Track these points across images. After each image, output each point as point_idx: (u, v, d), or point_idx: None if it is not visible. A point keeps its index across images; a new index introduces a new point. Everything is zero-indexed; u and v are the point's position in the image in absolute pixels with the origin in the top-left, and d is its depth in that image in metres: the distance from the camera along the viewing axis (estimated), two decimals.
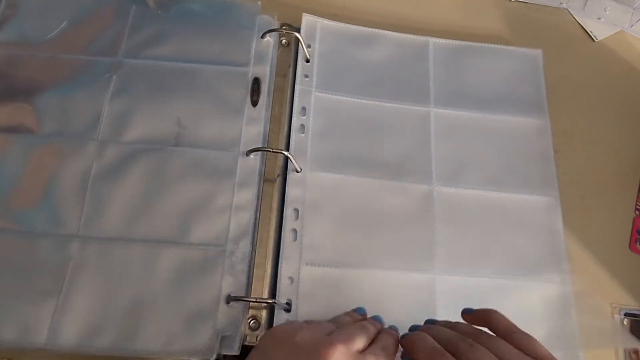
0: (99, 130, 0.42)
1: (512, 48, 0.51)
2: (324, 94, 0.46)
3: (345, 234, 0.41)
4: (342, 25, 0.49)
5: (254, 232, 0.40)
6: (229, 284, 0.38)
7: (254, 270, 0.39)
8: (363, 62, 0.48)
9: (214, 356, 0.35)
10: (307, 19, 0.48)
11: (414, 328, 0.34)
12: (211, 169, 0.41)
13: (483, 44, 0.51)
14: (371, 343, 0.31)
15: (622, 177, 0.48)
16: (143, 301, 0.36)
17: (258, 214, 0.41)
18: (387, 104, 0.47)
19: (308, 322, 0.33)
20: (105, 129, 0.42)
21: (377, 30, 0.50)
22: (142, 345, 0.35)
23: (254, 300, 0.38)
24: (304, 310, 0.38)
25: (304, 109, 0.45)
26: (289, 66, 0.47)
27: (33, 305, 0.36)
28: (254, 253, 0.40)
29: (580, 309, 0.41)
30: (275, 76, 0.46)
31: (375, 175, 0.43)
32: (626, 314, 0.42)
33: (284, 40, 0.48)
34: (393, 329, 0.35)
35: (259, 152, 0.43)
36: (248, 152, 0.42)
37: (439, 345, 0.28)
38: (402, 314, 0.39)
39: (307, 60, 0.47)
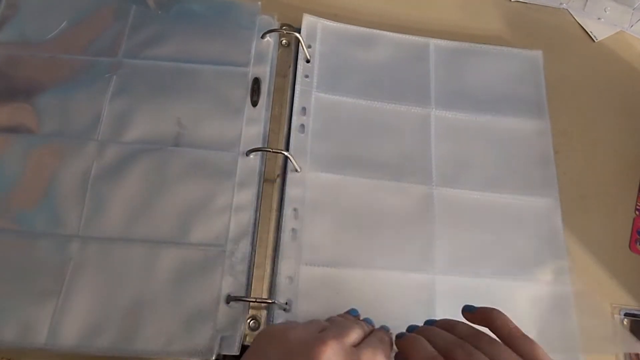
0: (99, 130, 0.42)
1: (512, 49, 0.51)
2: (324, 94, 0.46)
3: (344, 234, 0.41)
4: (343, 25, 0.49)
5: (253, 232, 0.40)
6: (229, 284, 0.38)
7: (254, 270, 0.39)
8: (363, 63, 0.48)
9: (214, 356, 0.35)
10: (307, 19, 0.48)
11: (412, 328, 0.33)
12: (211, 169, 0.41)
13: (483, 45, 0.51)
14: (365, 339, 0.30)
15: (622, 177, 0.48)
16: (143, 301, 0.36)
17: (258, 214, 0.41)
18: (387, 105, 0.47)
19: None
20: (105, 129, 0.42)
21: (377, 30, 0.50)
22: (142, 345, 0.35)
23: (254, 300, 0.38)
24: (303, 310, 0.38)
25: (304, 109, 0.45)
26: (289, 66, 0.47)
27: (33, 305, 0.36)
28: (253, 253, 0.40)
29: (580, 309, 0.41)
30: (275, 76, 0.46)
31: (375, 176, 0.43)
32: (626, 314, 0.42)
33: (284, 41, 0.48)
34: (385, 329, 0.35)
35: (259, 152, 0.43)
36: (248, 152, 0.42)
37: (435, 352, 0.28)
38: (401, 314, 0.39)
39: (308, 61, 0.47)
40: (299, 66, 0.46)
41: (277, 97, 0.46)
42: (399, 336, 0.31)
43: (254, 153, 0.42)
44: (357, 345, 0.29)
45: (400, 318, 0.39)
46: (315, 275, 0.40)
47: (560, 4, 0.56)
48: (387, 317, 0.37)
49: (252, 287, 0.39)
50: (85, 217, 0.39)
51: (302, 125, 0.45)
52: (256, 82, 0.45)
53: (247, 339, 0.37)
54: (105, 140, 0.41)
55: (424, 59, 0.49)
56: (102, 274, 0.37)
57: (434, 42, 0.50)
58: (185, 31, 0.46)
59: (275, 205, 0.42)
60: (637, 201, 0.47)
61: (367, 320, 0.36)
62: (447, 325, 0.31)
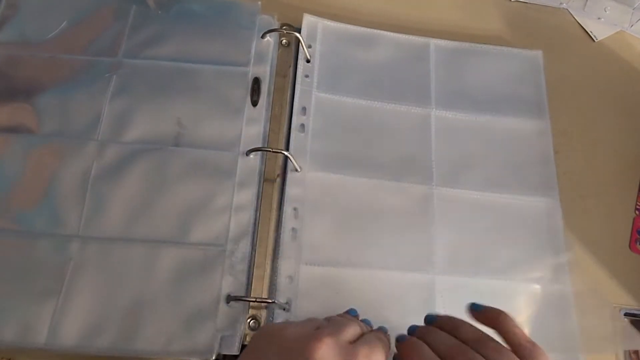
0: (99, 130, 0.42)
1: (512, 49, 0.51)
2: (324, 94, 0.46)
3: (344, 234, 0.41)
4: (343, 25, 0.49)
5: (253, 232, 0.40)
6: (229, 284, 0.38)
7: (254, 270, 0.39)
8: (364, 63, 0.48)
9: (214, 356, 0.35)
10: (307, 19, 0.48)
11: (412, 329, 0.32)
12: (211, 169, 0.41)
13: (484, 45, 0.51)
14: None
15: (622, 177, 0.48)
16: (143, 301, 0.36)
17: (258, 214, 0.41)
18: (387, 105, 0.47)
19: None
20: (105, 129, 0.42)
21: (377, 30, 0.50)
22: (142, 345, 0.35)
23: (254, 300, 0.38)
24: (303, 309, 0.38)
25: (304, 109, 0.45)
26: (289, 66, 0.47)
27: (33, 305, 0.36)
28: (253, 253, 0.40)
29: (580, 309, 0.41)
30: (275, 76, 0.46)
31: (375, 176, 0.43)
32: (626, 314, 0.42)
33: (284, 41, 0.48)
34: (383, 330, 0.35)
35: (259, 152, 0.43)
36: (248, 152, 0.42)
37: (436, 358, 0.27)
38: (401, 314, 0.39)
39: (308, 61, 0.47)
40: (299, 66, 0.47)
41: (277, 97, 0.46)
42: (400, 339, 0.31)
43: (254, 153, 0.42)
44: (354, 342, 0.28)
45: (400, 318, 0.39)
46: (315, 275, 0.40)
47: (560, 3, 0.56)
48: (387, 317, 0.37)
49: (252, 287, 0.39)
50: (85, 217, 0.39)
51: (302, 125, 0.45)
52: (256, 82, 0.45)
53: (247, 338, 0.37)
54: (105, 140, 0.41)
55: (424, 59, 0.49)
56: (102, 274, 0.37)
57: (434, 42, 0.50)
58: (185, 31, 0.46)
59: (275, 205, 0.42)
60: (637, 201, 0.47)
61: (365, 322, 0.36)
62: (451, 325, 0.30)
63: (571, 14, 0.56)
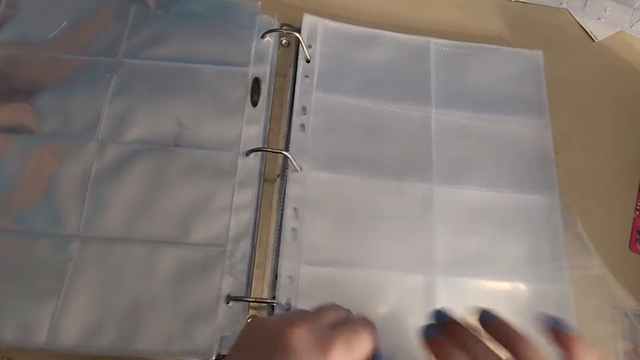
0: (99, 130, 0.42)
1: (512, 49, 0.51)
2: (324, 94, 0.46)
3: (344, 234, 0.41)
4: (343, 25, 0.49)
5: (254, 232, 0.40)
6: (229, 284, 0.38)
7: (254, 270, 0.39)
8: (364, 63, 0.48)
9: (214, 356, 0.35)
10: (308, 19, 0.48)
11: (430, 329, 0.30)
12: (211, 169, 0.41)
13: (484, 45, 0.51)
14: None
15: (622, 177, 0.48)
16: (143, 301, 0.36)
17: (258, 214, 0.41)
18: (387, 105, 0.47)
19: None
20: (105, 129, 0.42)
21: (378, 30, 0.50)
22: (142, 345, 0.35)
23: (254, 300, 0.38)
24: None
25: (304, 109, 0.45)
26: (289, 66, 0.47)
27: (33, 305, 0.36)
28: (254, 253, 0.40)
29: (580, 309, 0.41)
30: (275, 76, 0.46)
31: (375, 176, 0.43)
32: (626, 314, 0.42)
33: (284, 41, 0.48)
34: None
35: (259, 152, 0.43)
36: (248, 152, 0.42)
37: None
38: (401, 314, 0.39)
39: (308, 61, 0.47)
40: (299, 66, 0.47)
41: (277, 97, 0.46)
42: (428, 334, 0.29)
43: (254, 153, 0.42)
44: (335, 327, 0.28)
45: (399, 318, 0.39)
46: (315, 275, 0.40)
47: (560, 4, 0.56)
48: (387, 317, 0.37)
49: (252, 287, 0.39)
50: (85, 217, 0.39)
51: (302, 125, 0.45)
52: (256, 82, 0.45)
53: None
54: (105, 140, 0.41)
55: (425, 58, 0.49)
56: (102, 274, 0.37)
57: (434, 42, 0.50)
58: (185, 31, 0.46)
59: (275, 205, 0.42)
60: (637, 201, 0.47)
61: None
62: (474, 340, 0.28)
63: (571, 14, 0.56)
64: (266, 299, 0.38)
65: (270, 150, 0.43)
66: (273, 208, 0.42)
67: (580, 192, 0.47)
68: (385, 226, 0.42)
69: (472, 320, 0.29)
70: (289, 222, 0.41)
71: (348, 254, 0.41)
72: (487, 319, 0.29)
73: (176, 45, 0.46)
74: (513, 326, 0.28)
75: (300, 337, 0.25)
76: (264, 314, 0.38)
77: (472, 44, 0.50)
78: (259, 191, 0.42)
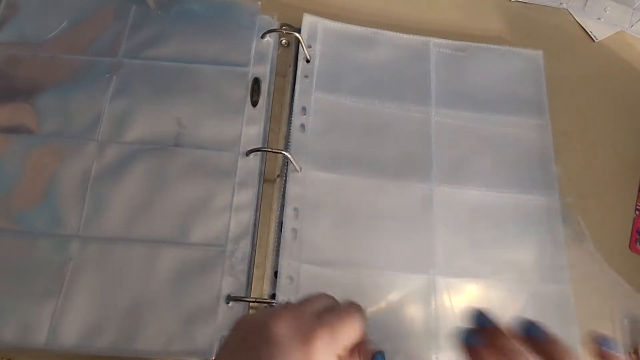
0: (99, 130, 0.42)
1: (512, 49, 0.51)
2: (324, 94, 0.46)
3: (345, 234, 0.41)
4: (343, 25, 0.49)
5: (254, 232, 0.40)
6: (229, 284, 0.38)
7: (254, 270, 0.39)
8: (364, 63, 0.48)
9: (214, 356, 0.35)
10: (308, 19, 0.48)
11: (471, 336, 0.28)
12: (211, 169, 0.41)
13: (484, 45, 0.51)
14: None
15: (622, 177, 0.48)
16: (143, 301, 0.36)
17: (258, 214, 0.41)
18: (387, 104, 0.47)
19: None
20: (105, 129, 0.42)
21: (377, 30, 0.50)
22: (142, 345, 0.35)
23: (254, 300, 0.38)
24: None
25: (304, 108, 0.45)
26: (289, 66, 0.47)
27: (33, 305, 0.36)
28: (254, 253, 0.40)
29: (580, 309, 0.41)
30: (275, 76, 0.46)
31: (375, 176, 0.43)
32: (626, 315, 0.42)
33: (284, 41, 0.48)
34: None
35: (259, 152, 0.43)
36: (248, 152, 0.42)
37: None
38: (401, 314, 0.39)
39: (308, 61, 0.47)
40: (299, 66, 0.47)
41: (277, 97, 0.46)
42: (469, 342, 0.27)
43: (254, 153, 0.42)
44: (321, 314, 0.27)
45: (400, 318, 0.39)
46: (315, 275, 0.40)
47: (560, 4, 0.56)
48: (386, 317, 0.37)
49: (252, 287, 0.39)
50: (85, 217, 0.39)
51: (302, 125, 0.45)
52: (256, 82, 0.45)
53: None
54: (105, 140, 0.41)
55: (425, 58, 0.49)
56: (102, 274, 0.37)
57: (434, 42, 0.50)
58: (185, 31, 0.46)
59: (275, 205, 0.42)
60: (637, 201, 0.47)
61: None
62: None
63: (571, 14, 0.56)
64: (266, 299, 0.38)
65: (270, 150, 0.43)
66: (273, 208, 0.42)
67: (580, 192, 0.47)
68: (385, 226, 0.42)
69: (512, 328, 0.28)
70: (289, 222, 0.41)
71: (348, 253, 0.41)
72: (534, 332, 0.27)
73: (176, 45, 0.46)
74: (562, 343, 0.26)
75: (283, 327, 0.25)
76: None
77: (472, 44, 0.50)
78: (259, 191, 0.42)
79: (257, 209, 0.41)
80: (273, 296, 0.39)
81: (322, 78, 0.47)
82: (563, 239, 0.43)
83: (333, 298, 0.30)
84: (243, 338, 0.26)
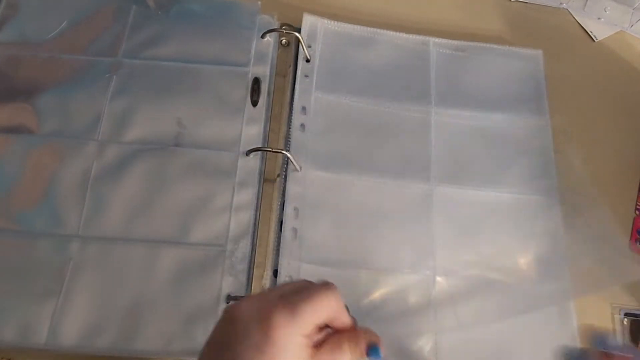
0: (99, 130, 0.42)
1: (512, 48, 0.51)
2: (324, 94, 0.46)
3: (344, 233, 0.41)
4: (343, 25, 0.49)
5: (254, 231, 0.40)
6: (229, 284, 0.38)
7: (254, 269, 0.39)
8: (364, 62, 0.48)
9: None
10: (308, 19, 0.48)
11: (579, 355, 0.28)
12: (211, 169, 0.41)
13: (484, 44, 0.51)
14: None
15: (622, 177, 0.48)
16: (143, 301, 0.36)
17: (258, 214, 0.41)
18: (387, 104, 0.47)
19: None
20: (105, 129, 0.42)
21: (377, 30, 0.50)
22: (142, 345, 0.35)
23: None
24: None
25: (304, 108, 0.45)
26: (289, 66, 0.47)
27: (33, 305, 0.36)
28: (254, 253, 0.40)
29: (580, 309, 0.41)
30: (275, 76, 0.46)
31: (375, 175, 0.43)
32: (626, 314, 0.42)
33: (284, 40, 0.48)
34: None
35: (259, 152, 0.43)
36: (248, 152, 0.42)
37: None
38: (401, 315, 0.39)
39: (308, 60, 0.47)
40: (299, 66, 0.47)
41: (277, 96, 0.46)
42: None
43: (254, 153, 0.42)
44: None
45: (399, 318, 0.39)
46: (315, 274, 0.39)
47: (560, 4, 0.56)
48: (386, 317, 0.37)
49: (252, 287, 0.39)
50: (85, 217, 0.39)
51: (302, 125, 0.45)
52: (256, 82, 0.45)
53: None
54: (105, 140, 0.41)
55: (424, 58, 0.49)
56: (102, 274, 0.37)
57: (434, 41, 0.50)
58: (185, 31, 0.46)
59: (275, 204, 0.42)
60: (637, 201, 0.47)
61: None
62: None
63: (571, 14, 0.56)
64: None
65: (270, 150, 0.43)
66: (273, 208, 0.42)
67: (580, 192, 0.47)
68: (384, 225, 0.42)
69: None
70: (289, 221, 0.41)
71: (347, 253, 0.41)
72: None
73: (176, 45, 0.46)
74: None
75: (244, 309, 0.25)
76: None
77: (472, 44, 0.50)
78: (259, 191, 0.42)
79: (257, 208, 0.41)
80: None
81: (322, 78, 0.47)
82: (563, 238, 0.43)
83: (310, 282, 0.29)
84: (215, 327, 0.27)
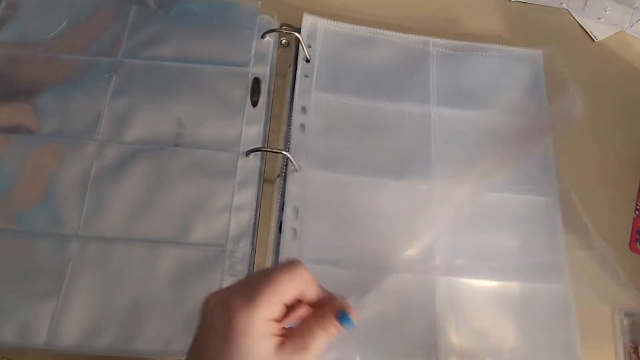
0: (99, 130, 0.42)
1: (512, 48, 0.51)
2: (324, 94, 0.46)
3: (344, 233, 0.41)
4: (343, 25, 0.49)
5: (254, 232, 0.40)
6: (229, 284, 0.38)
7: (254, 270, 0.39)
8: (363, 62, 0.48)
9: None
10: (307, 19, 0.48)
11: None
12: (211, 169, 0.41)
13: (484, 44, 0.51)
14: None
15: (622, 177, 0.48)
16: (143, 301, 0.36)
17: (258, 214, 0.41)
18: (387, 104, 0.47)
19: None
20: (105, 129, 0.42)
21: (377, 30, 0.50)
22: (142, 345, 0.35)
23: None
24: None
25: (304, 108, 0.45)
26: (289, 66, 0.47)
27: (33, 305, 0.36)
28: (254, 253, 0.40)
29: (580, 309, 0.41)
30: (275, 76, 0.46)
31: (374, 175, 0.43)
32: (626, 314, 0.42)
33: (283, 40, 0.48)
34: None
35: (259, 152, 0.43)
36: (248, 152, 0.42)
37: None
38: (401, 315, 0.39)
39: (307, 60, 0.47)
40: (298, 66, 0.46)
41: (277, 97, 0.46)
42: None
43: (254, 153, 0.42)
44: None
45: (400, 318, 0.39)
46: (315, 275, 0.39)
47: (560, 4, 0.56)
48: (386, 318, 0.37)
49: None
50: (85, 217, 0.39)
51: (302, 125, 0.44)
52: (256, 82, 0.45)
53: None
54: (105, 140, 0.41)
55: (424, 58, 0.49)
56: (101, 274, 0.37)
57: (434, 41, 0.50)
58: (185, 31, 0.46)
59: (275, 205, 0.42)
60: (637, 201, 0.47)
61: None
62: None
63: (571, 14, 0.56)
64: None
65: (270, 150, 0.43)
66: (273, 208, 0.42)
67: (580, 192, 0.47)
68: (384, 225, 0.42)
69: None
70: (288, 221, 0.41)
71: (348, 253, 0.41)
72: None
73: (176, 45, 0.46)
74: None
75: (211, 301, 0.26)
76: None
77: (472, 44, 0.50)
78: (259, 191, 0.42)
79: (257, 208, 0.41)
80: None
81: (322, 78, 0.47)
82: (563, 238, 0.43)
83: (274, 266, 0.29)
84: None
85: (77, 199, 0.39)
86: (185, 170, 0.41)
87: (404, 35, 0.50)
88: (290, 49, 0.48)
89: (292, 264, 0.27)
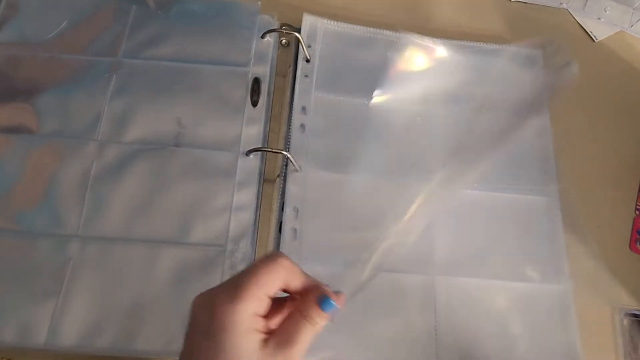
0: (98, 130, 0.42)
1: (513, 48, 0.51)
2: (324, 94, 0.46)
3: (344, 233, 0.41)
4: (343, 25, 0.49)
5: (254, 232, 0.40)
6: None
7: None
8: (363, 62, 0.48)
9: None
10: (307, 19, 0.48)
11: None
12: (211, 169, 0.41)
13: (484, 44, 0.51)
14: None
15: (622, 177, 0.48)
16: (143, 301, 0.36)
17: (258, 214, 0.41)
18: (387, 104, 0.46)
19: None
20: (105, 129, 0.42)
21: (377, 30, 0.50)
22: (142, 345, 0.35)
23: None
24: None
25: (304, 108, 0.45)
26: (289, 66, 0.47)
27: (33, 305, 0.36)
28: (254, 253, 0.40)
29: (580, 309, 0.41)
30: (275, 76, 0.46)
31: (374, 175, 0.43)
32: (626, 314, 0.42)
33: (283, 40, 0.48)
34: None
35: (259, 152, 0.43)
36: (248, 152, 0.42)
37: None
38: (401, 315, 0.39)
39: (307, 60, 0.47)
40: (298, 66, 0.46)
41: (277, 96, 0.46)
42: None
43: (254, 153, 0.42)
44: None
45: (400, 318, 0.39)
46: (315, 275, 0.39)
47: (560, 4, 0.56)
48: (387, 318, 0.37)
49: None
50: (85, 217, 0.39)
51: (302, 125, 0.44)
52: (256, 82, 0.45)
53: None
54: (105, 140, 0.41)
55: (424, 57, 0.49)
56: (101, 274, 0.37)
57: (433, 41, 0.50)
58: (185, 31, 0.46)
59: (275, 205, 0.42)
60: (637, 201, 0.47)
61: None
62: None
63: (571, 14, 0.56)
64: None
65: (270, 150, 0.43)
66: (273, 208, 0.42)
67: (580, 192, 0.47)
68: (384, 225, 0.42)
69: None
70: (288, 221, 0.41)
71: (347, 253, 0.41)
72: None
73: (176, 45, 0.46)
74: None
75: (198, 300, 0.25)
76: None
77: (472, 44, 0.50)
78: (259, 191, 0.42)
79: (257, 208, 0.41)
80: None
81: (322, 78, 0.47)
82: (563, 238, 0.43)
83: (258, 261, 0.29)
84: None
85: (77, 199, 0.39)
86: (185, 170, 0.41)
87: (404, 35, 0.50)
88: (290, 49, 0.48)
89: (272, 256, 0.27)
